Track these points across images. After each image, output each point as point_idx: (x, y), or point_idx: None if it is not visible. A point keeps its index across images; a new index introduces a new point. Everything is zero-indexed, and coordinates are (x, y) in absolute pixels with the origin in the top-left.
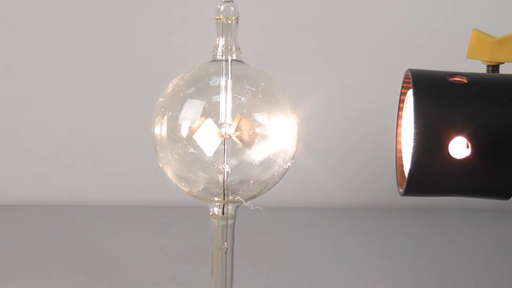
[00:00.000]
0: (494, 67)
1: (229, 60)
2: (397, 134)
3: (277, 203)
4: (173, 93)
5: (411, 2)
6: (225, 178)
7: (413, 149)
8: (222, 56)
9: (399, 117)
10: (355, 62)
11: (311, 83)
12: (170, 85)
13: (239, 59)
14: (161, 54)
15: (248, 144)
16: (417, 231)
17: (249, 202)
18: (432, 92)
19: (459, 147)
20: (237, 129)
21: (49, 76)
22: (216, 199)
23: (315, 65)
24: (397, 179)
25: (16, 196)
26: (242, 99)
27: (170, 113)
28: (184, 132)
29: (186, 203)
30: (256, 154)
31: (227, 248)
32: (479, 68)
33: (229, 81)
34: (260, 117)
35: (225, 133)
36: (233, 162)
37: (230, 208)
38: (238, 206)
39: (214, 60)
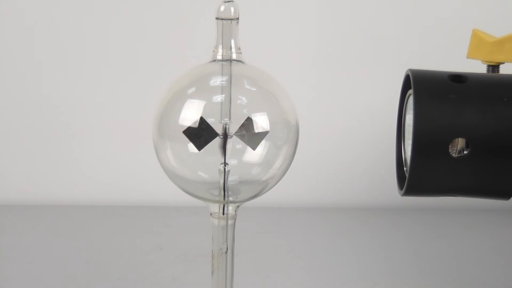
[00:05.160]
0: (494, 67)
1: (229, 60)
2: (397, 134)
3: (277, 203)
4: (173, 93)
5: (411, 2)
6: (225, 178)
7: (413, 149)
8: (222, 56)
9: (399, 117)
10: (355, 62)
11: (311, 83)
12: (170, 85)
13: (239, 59)
14: (161, 54)
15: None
16: (417, 231)
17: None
18: (432, 92)
19: (459, 147)
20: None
21: (49, 76)
22: (216, 199)
23: (315, 65)
24: (397, 179)
25: (16, 196)
26: (242, 99)
27: (170, 113)
28: (184, 132)
29: (186, 203)
30: (256, 154)
31: (227, 248)
32: (479, 68)
33: (229, 81)
34: (260, 117)
35: (225, 133)
36: (233, 162)
37: (230, 208)
38: (238, 206)
39: (214, 60)
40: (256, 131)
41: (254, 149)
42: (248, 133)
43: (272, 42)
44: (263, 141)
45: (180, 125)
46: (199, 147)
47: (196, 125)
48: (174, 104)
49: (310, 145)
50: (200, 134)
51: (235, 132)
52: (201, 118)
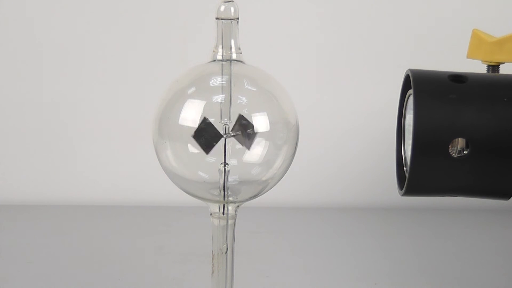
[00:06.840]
0: (494, 67)
1: (229, 60)
2: (397, 134)
3: (277, 203)
4: (173, 93)
5: (411, 2)
6: (225, 178)
7: (413, 149)
8: (222, 56)
9: (399, 117)
10: (355, 63)
11: (311, 84)
12: (170, 85)
13: (239, 59)
14: (161, 54)
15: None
16: (417, 231)
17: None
18: (432, 92)
19: (459, 147)
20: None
21: (49, 76)
22: (216, 199)
23: (315, 65)
24: (397, 179)
25: (16, 196)
26: (242, 99)
27: (170, 113)
28: (184, 132)
29: (186, 203)
30: (256, 154)
31: (227, 248)
32: (479, 68)
33: (229, 81)
34: (260, 117)
35: (225, 133)
36: (233, 162)
37: (230, 208)
38: (238, 206)
39: (214, 60)
40: (249, 130)
41: (248, 149)
42: (243, 133)
43: (272, 42)
44: (263, 141)
45: (180, 125)
46: (206, 148)
47: (203, 126)
48: (174, 104)
49: (310, 145)
50: (204, 135)
51: (231, 131)
52: (204, 118)
